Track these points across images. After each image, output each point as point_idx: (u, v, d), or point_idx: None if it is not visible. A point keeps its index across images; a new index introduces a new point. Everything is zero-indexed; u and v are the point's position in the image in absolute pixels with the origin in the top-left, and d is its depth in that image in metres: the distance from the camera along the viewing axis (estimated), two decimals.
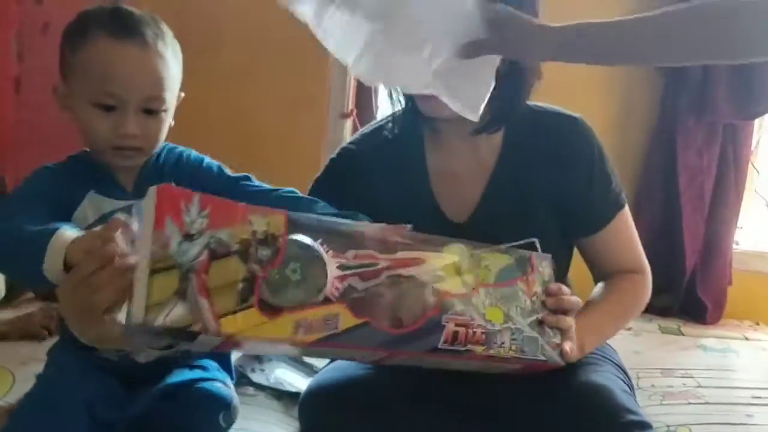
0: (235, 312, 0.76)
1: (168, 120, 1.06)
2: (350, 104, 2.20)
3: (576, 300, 1.03)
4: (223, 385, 1.08)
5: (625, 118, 2.08)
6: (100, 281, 0.77)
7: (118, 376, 1.04)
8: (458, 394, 1.05)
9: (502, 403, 1.04)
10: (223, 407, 1.04)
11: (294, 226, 0.82)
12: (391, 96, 1.18)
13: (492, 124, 1.10)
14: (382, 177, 1.14)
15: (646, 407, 1.28)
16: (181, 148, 1.14)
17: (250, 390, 1.33)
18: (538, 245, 1.03)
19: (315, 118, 2.18)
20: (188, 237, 0.75)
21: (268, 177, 2.31)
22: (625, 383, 1.10)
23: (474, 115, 0.93)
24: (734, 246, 2.07)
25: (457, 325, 0.91)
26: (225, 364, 1.16)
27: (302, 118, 2.19)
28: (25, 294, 1.74)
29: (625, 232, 1.18)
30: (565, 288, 1.02)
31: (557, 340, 0.99)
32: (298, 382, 1.35)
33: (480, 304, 0.94)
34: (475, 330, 0.92)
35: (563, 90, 1.34)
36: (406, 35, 0.86)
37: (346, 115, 2.19)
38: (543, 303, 1.00)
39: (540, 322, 0.99)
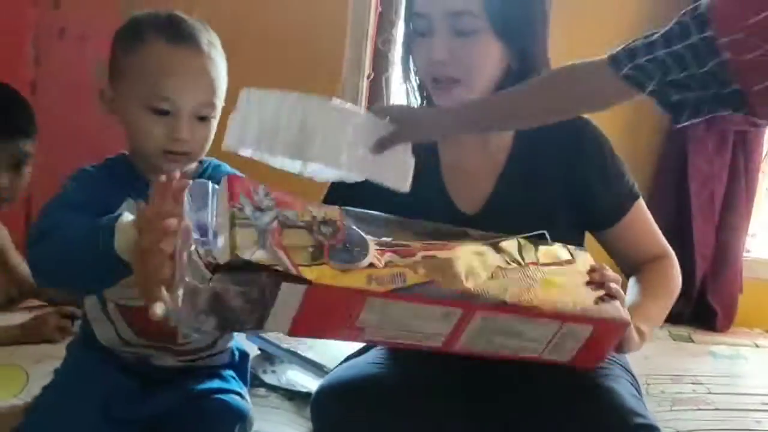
0: (309, 266, 0.79)
1: (215, 126, 1.06)
2: (364, 104, 2.22)
3: (615, 275, 1.02)
4: (240, 397, 1.10)
5: (636, 125, 2.08)
6: (168, 241, 0.79)
7: (136, 377, 1.05)
8: (470, 393, 1.06)
9: (514, 404, 1.05)
10: (239, 419, 1.06)
11: (346, 216, 0.90)
12: (407, 94, 1.20)
13: None
14: None
15: (656, 413, 1.28)
16: (227, 167, 1.14)
17: (262, 391, 1.34)
18: (548, 237, 1.04)
19: None
20: (259, 209, 0.82)
21: (281, 180, 2.32)
22: (633, 387, 1.10)
23: (405, 187, 1.01)
24: (745, 254, 2.07)
25: (520, 288, 0.91)
26: (241, 373, 1.18)
27: None
28: (24, 302, 1.72)
29: (644, 221, 1.19)
30: (604, 265, 1.03)
31: (621, 308, 0.97)
32: (309, 383, 1.36)
33: (534, 275, 0.95)
34: (537, 291, 0.92)
35: None
36: (324, 160, 0.95)
37: None
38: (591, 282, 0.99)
39: (600, 299, 0.96)
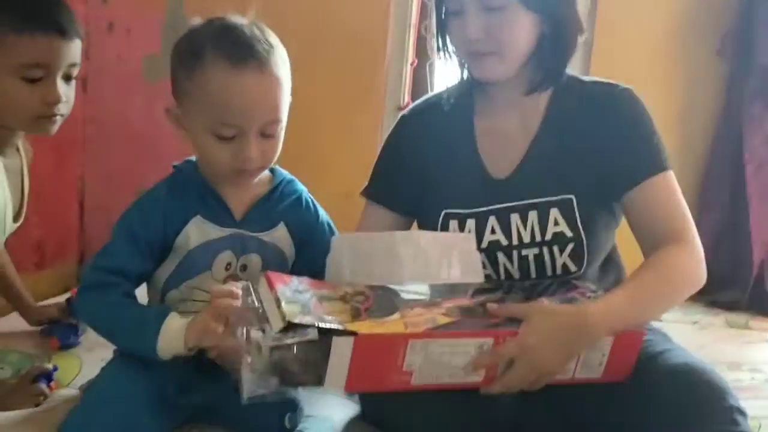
0: (352, 322, 0.89)
1: (282, 135, 1.06)
2: (406, 98, 2.21)
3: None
4: None
5: (689, 106, 2.03)
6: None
7: (190, 364, 1.06)
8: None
9: (574, 389, 1.02)
10: (290, 409, 1.06)
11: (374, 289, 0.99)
12: (445, 55, 1.21)
13: (542, 83, 1.15)
14: (434, 139, 1.20)
15: None
16: (299, 186, 1.15)
17: None
18: (574, 202, 1.11)
19: (371, 111, 2.20)
20: (298, 292, 0.93)
21: (325, 169, 2.34)
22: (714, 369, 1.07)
23: (480, 277, 1.07)
24: None
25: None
26: None
27: (359, 111, 2.21)
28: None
29: (667, 195, 1.13)
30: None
31: None
32: None
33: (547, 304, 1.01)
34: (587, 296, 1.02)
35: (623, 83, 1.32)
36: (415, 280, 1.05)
37: (402, 109, 2.20)
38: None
39: None
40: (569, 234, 1.12)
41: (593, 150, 1.13)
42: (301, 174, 2.39)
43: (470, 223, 1.15)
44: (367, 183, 1.28)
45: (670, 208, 1.13)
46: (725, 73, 1.97)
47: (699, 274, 1.09)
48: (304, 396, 1.09)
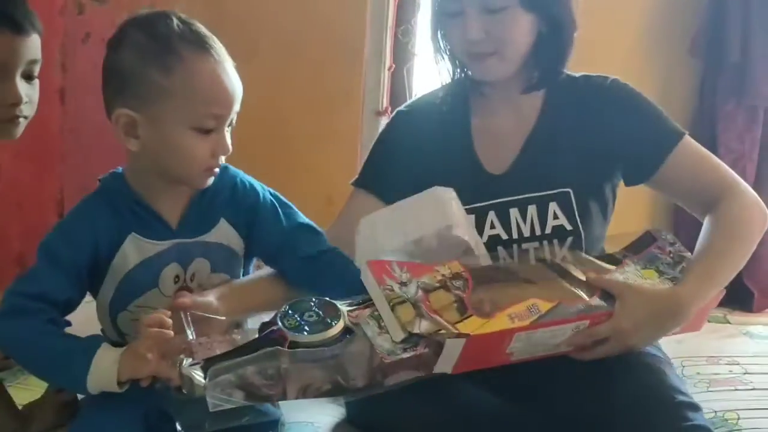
0: (461, 321, 0.94)
1: None
2: (385, 102, 2.22)
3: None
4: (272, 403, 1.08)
5: (663, 104, 2.05)
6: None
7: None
8: (513, 375, 1.05)
9: (554, 386, 1.06)
10: (270, 428, 1.07)
11: (466, 267, 1.03)
12: (439, 64, 1.24)
13: (539, 83, 1.19)
14: (429, 135, 1.22)
15: (693, 395, 1.25)
16: (232, 171, 1.09)
17: None
18: (572, 195, 1.14)
19: (350, 115, 2.20)
20: (403, 284, 0.97)
21: (305, 174, 2.34)
22: (672, 366, 1.11)
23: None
24: None
25: None
26: None
27: (338, 116, 2.22)
28: None
29: (695, 158, 1.18)
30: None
31: None
32: None
33: (633, 271, 1.07)
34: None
35: None
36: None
37: (381, 113, 2.21)
38: (681, 256, 1.11)
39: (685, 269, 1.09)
40: (568, 227, 1.15)
41: (595, 143, 1.16)
42: (281, 178, 2.38)
43: (470, 219, 1.15)
44: (358, 174, 1.29)
45: (705, 168, 1.17)
46: (698, 72, 1.99)
47: (763, 215, 1.16)
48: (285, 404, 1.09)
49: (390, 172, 1.23)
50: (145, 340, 0.93)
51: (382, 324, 0.93)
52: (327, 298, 0.96)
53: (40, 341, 0.96)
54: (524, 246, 1.15)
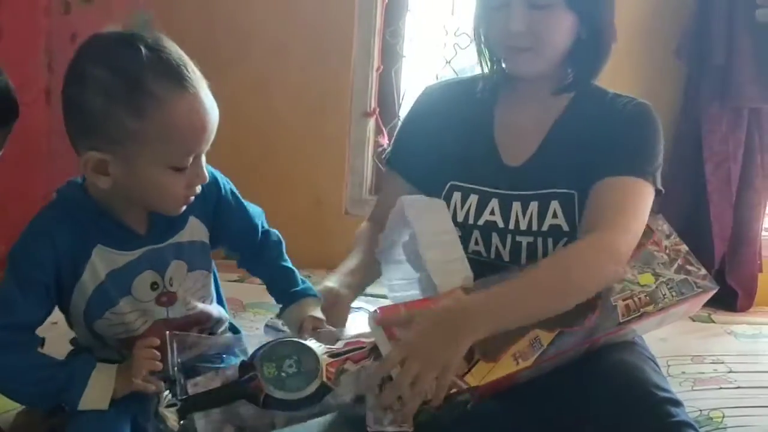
0: (468, 371, 0.98)
1: None
2: (373, 103, 2.22)
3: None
4: None
5: None
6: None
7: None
8: None
9: (535, 384, 1.06)
10: None
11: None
12: (480, 56, 1.26)
13: (570, 86, 1.21)
14: (454, 119, 1.26)
15: (678, 393, 1.26)
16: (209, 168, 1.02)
17: None
18: (576, 198, 1.15)
19: (338, 117, 2.21)
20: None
21: (294, 177, 2.34)
22: (654, 364, 1.11)
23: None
24: (764, 233, 2.05)
25: (623, 300, 1.08)
26: None
27: (326, 118, 2.22)
28: None
29: (623, 196, 1.12)
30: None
31: (703, 272, 1.15)
32: None
33: (630, 277, 1.10)
34: (639, 297, 1.09)
35: None
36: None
37: (369, 114, 2.21)
38: (676, 251, 1.14)
39: (681, 266, 1.13)
40: (565, 228, 1.15)
41: (595, 148, 1.17)
42: (270, 180, 2.40)
43: (473, 198, 1.20)
44: (389, 149, 1.35)
45: (612, 204, 1.11)
46: (683, 74, 2.01)
47: (607, 269, 1.06)
48: None
49: (414, 153, 1.27)
50: (135, 367, 0.95)
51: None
52: (307, 344, 0.97)
53: (31, 374, 0.96)
54: (518, 238, 1.16)
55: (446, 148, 1.23)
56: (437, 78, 2.22)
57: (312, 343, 0.98)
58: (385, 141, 2.22)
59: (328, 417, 1.18)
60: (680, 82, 2.03)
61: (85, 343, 1.08)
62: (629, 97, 1.23)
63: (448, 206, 1.19)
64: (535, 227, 1.16)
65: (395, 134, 1.37)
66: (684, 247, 1.17)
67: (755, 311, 1.97)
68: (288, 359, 0.94)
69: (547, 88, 1.22)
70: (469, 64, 2.30)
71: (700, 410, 1.30)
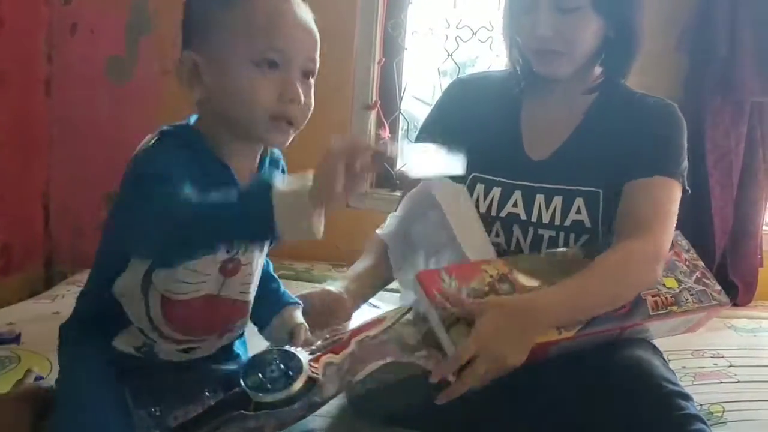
0: None
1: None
2: (374, 95, 2.22)
3: None
4: None
5: None
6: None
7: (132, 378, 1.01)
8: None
9: (546, 379, 1.06)
10: None
11: (511, 264, 1.11)
12: (511, 57, 1.27)
13: (598, 86, 1.22)
14: (480, 112, 1.27)
15: None
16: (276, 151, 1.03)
17: None
18: (601, 197, 1.16)
19: (340, 109, 2.20)
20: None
21: (295, 169, 2.32)
22: (663, 358, 1.13)
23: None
24: (765, 228, 2.05)
25: (652, 296, 1.13)
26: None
27: (327, 110, 2.19)
28: None
29: (654, 196, 1.15)
30: None
31: (718, 287, 1.21)
32: None
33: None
34: (665, 296, 1.14)
35: None
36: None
37: (370, 107, 2.21)
38: (695, 265, 1.20)
39: (699, 278, 1.19)
40: (588, 225, 1.16)
41: (623, 147, 1.17)
42: None
43: (495, 191, 1.21)
44: (415, 137, 1.37)
45: (649, 207, 1.15)
46: (685, 67, 2.00)
47: (647, 273, 1.12)
48: None
49: (437, 142, 1.26)
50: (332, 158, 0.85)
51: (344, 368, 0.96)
52: (287, 348, 0.96)
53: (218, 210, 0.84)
54: (540, 231, 1.17)
55: (470, 140, 1.14)
56: (439, 72, 2.22)
57: (290, 347, 0.97)
58: (386, 134, 2.22)
59: (337, 412, 1.19)
60: (681, 75, 2.02)
61: (122, 291, 0.99)
62: (656, 98, 1.24)
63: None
64: (557, 221, 1.17)
65: (421, 124, 1.37)
66: (701, 263, 1.23)
67: (755, 305, 1.97)
68: (269, 365, 0.94)
69: (575, 87, 1.22)
70: (470, 56, 2.30)
71: (701, 404, 1.29)
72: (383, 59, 2.20)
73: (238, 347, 1.12)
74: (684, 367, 1.48)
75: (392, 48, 2.21)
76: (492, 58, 2.17)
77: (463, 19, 2.15)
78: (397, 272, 1.22)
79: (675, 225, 1.18)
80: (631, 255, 1.10)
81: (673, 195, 1.17)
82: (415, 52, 2.24)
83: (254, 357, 0.96)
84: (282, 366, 0.93)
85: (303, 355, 0.95)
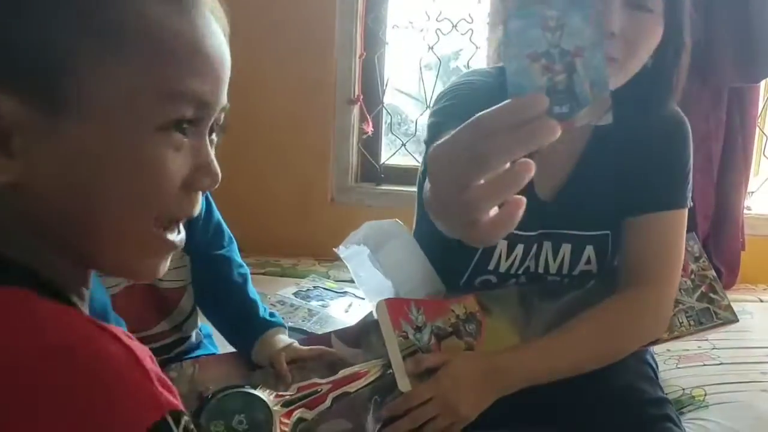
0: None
1: None
2: (357, 90, 2.22)
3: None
4: None
5: None
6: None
7: None
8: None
9: (544, 402, 1.04)
10: None
11: (482, 306, 1.08)
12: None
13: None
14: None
15: (662, 371, 1.30)
16: None
17: None
18: (609, 238, 1.08)
19: (323, 104, 2.21)
20: (417, 329, 1.02)
21: (281, 164, 2.33)
22: (650, 368, 1.13)
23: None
24: (746, 212, 2.07)
25: None
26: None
27: (310, 105, 2.22)
28: None
29: (664, 233, 1.07)
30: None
31: (726, 301, 1.14)
32: None
33: None
34: None
35: None
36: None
37: (353, 101, 2.21)
38: (702, 276, 1.12)
39: (704, 294, 1.12)
40: (595, 272, 1.10)
41: (632, 174, 1.07)
42: (255, 168, 2.39)
43: (519, 249, 1.08)
44: (426, 138, 1.15)
45: (655, 248, 1.06)
46: None
47: (648, 327, 1.07)
48: None
49: None
50: None
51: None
52: (257, 394, 0.90)
53: None
54: (544, 278, 1.11)
55: None
56: (420, 64, 2.22)
57: (263, 393, 0.92)
58: (369, 128, 2.22)
59: None
60: None
61: None
62: (667, 113, 1.12)
63: (491, 255, 1.07)
64: (565, 271, 1.09)
65: (430, 122, 1.14)
66: (711, 273, 1.14)
67: (738, 288, 1.99)
68: (237, 415, 0.88)
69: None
70: (451, 50, 2.31)
71: (683, 389, 1.32)
72: (364, 53, 2.21)
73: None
74: (668, 350, 1.49)
75: (373, 42, 2.22)
76: (473, 50, 2.18)
77: (442, 11, 2.16)
78: (360, 283, 1.20)
79: (682, 260, 1.09)
80: (632, 306, 1.04)
81: (681, 228, 1.08)
82: (396, 46, 2.25)
83: (221, 398, 0.90)
84: (250, 418, 0.88)
85: (274, 407, 0.90)
